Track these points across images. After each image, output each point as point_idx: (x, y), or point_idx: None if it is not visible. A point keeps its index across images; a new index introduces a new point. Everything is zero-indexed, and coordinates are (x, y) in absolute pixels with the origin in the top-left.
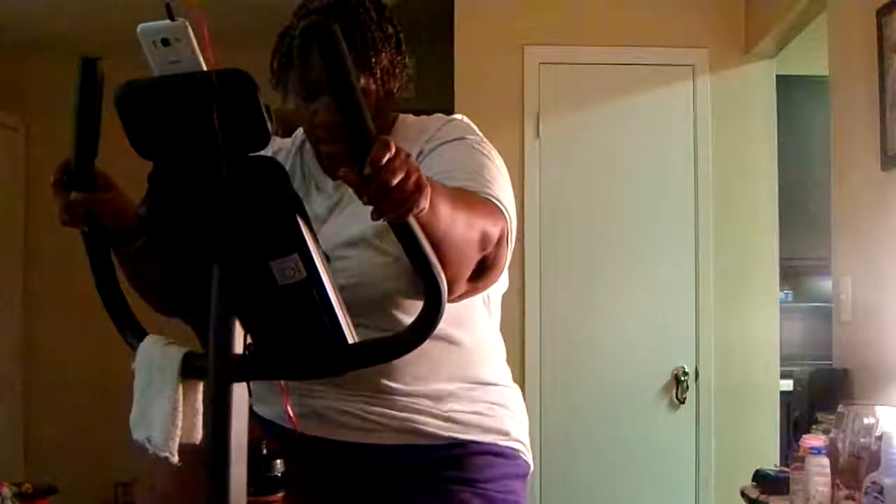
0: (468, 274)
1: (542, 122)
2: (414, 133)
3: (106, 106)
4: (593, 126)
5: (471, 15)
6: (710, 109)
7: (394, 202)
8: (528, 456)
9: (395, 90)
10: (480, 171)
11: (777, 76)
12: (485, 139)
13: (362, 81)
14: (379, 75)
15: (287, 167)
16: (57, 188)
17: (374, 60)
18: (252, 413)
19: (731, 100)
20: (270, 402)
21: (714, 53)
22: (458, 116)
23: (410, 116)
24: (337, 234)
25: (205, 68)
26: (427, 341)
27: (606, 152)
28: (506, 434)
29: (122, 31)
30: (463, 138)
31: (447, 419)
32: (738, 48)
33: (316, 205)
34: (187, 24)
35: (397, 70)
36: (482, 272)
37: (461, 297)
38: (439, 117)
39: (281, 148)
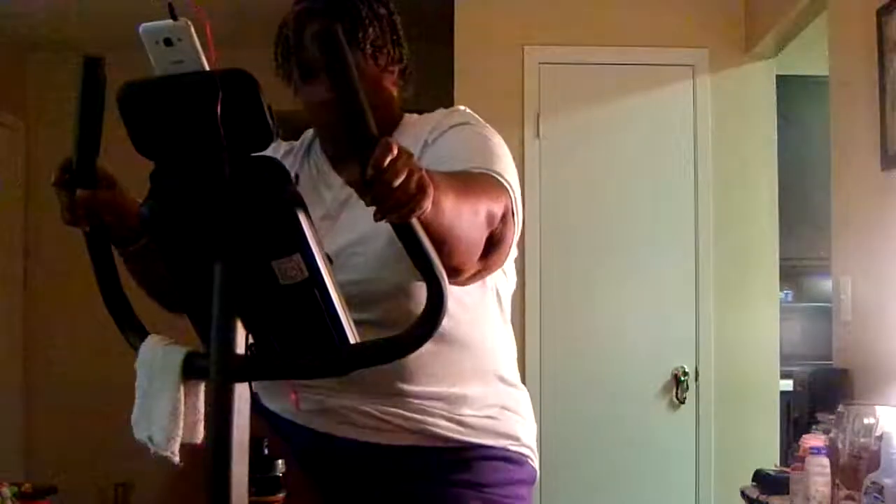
0: (478, 255)
1: (542, 122)
2: (419, 129)
3: (107, 106)
4: (593, 126)
5: (471, 15)
6: (710, 109)
7: (396, 204)
8: (535, 462)
9: (387, 67)
10: (482, 150)
11: (777, 76)
12: (487, 125)
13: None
14: (369, 51)
15: (296, 167)
16: (59, 187)
17: (360, 35)
18: (260, 407)
19: (731, 100)
20: (279, 396)
21: (714, 53)
22: (460, 107)
23: (415, 115)
24: (349, 229)
25: (207, 68)
26: (442, 343)
27: (606, 152)
28: (516, 439)
29: (123, 30)
30: (465, 123)
31: (459, 422)
32: (738, 48)
33: (327, 202)
34: (189, 23)
35: (387, 48)
36: (490, 249)
37: (473, 279)
38: (441, 110)
39: (290, 149)
